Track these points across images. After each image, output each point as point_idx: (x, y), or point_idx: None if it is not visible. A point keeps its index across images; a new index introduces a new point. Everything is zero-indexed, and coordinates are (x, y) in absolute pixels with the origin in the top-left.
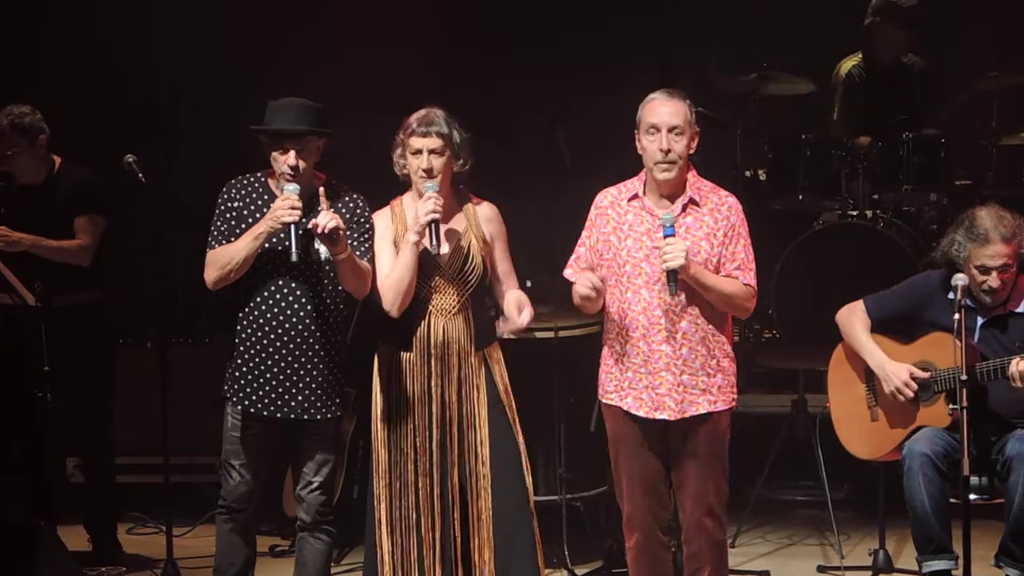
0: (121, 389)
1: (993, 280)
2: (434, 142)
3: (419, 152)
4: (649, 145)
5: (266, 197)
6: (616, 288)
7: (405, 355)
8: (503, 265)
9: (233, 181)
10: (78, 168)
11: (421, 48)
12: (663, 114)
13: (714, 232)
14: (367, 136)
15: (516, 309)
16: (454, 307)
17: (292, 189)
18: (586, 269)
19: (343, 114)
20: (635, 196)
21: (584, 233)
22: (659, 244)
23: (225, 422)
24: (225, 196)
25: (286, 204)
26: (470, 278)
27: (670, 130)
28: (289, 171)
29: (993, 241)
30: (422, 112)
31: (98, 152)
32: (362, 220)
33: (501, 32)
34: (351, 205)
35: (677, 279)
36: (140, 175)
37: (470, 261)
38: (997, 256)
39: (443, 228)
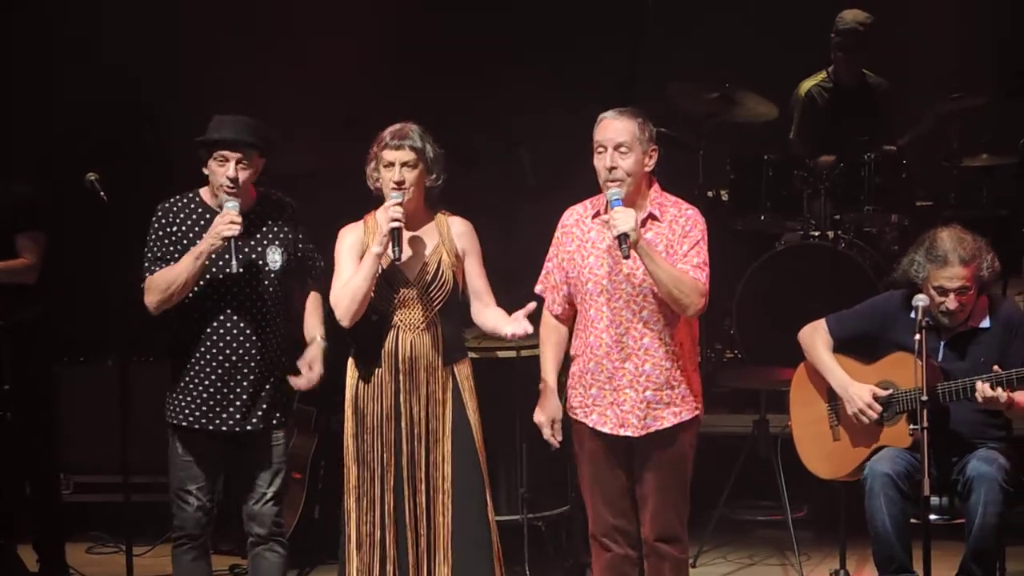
0: (82, 407)
1: (951, 302)
2: (407, 155)
3: (391, 165)
4: (597, 163)
5: (207, 216)
6: (580, 306)
7: (374, 371)
8: (477, 282)
9: (166, 204)
10: (12, 184)
11: (382, 66)
12: (609, 131)
13: (672, 243)
14: (328, 157)
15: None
16: (421, 323)
17: (232, 206)
18: (558, 286)
19: (303, 135)
20: (598, 213)
21: (551, 250)
22: (607, 216)
23: (172, 450)
24: (161, 221)
25: (226, 219)
26: (438, 294)
27: (616, 148)
28: (229, 183)
29: (952, 263)
30: (397, 126)
31: (72, 162)
32: (302, 236)
33: (463, 50)
34: (287, 214)
35: (627, 243)
36: (102, 194)
37: (439, 277)
38: (955, 278)
39: (407, 236)
